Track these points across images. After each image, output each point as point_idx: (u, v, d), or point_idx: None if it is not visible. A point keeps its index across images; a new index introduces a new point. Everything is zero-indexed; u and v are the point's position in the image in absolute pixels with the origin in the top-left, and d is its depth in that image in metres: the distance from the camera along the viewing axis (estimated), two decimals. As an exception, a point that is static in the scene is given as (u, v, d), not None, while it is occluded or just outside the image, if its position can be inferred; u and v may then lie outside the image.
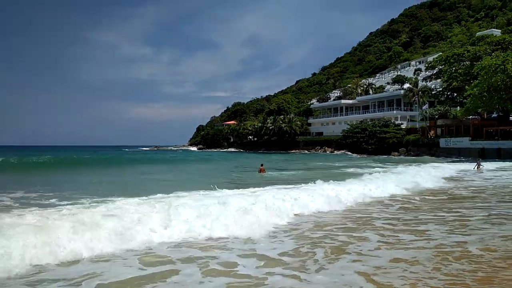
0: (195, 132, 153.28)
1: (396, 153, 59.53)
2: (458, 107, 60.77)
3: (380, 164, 35.19)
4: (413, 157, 51.00)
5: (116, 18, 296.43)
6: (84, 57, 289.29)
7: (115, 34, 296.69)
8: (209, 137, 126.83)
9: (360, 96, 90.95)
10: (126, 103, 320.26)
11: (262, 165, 28.03)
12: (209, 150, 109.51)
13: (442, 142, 52.91)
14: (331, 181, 15.51)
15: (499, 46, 52.95)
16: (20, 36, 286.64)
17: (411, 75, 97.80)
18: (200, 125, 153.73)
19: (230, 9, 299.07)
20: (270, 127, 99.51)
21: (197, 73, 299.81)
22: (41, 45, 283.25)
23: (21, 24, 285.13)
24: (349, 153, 63.05)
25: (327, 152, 77.20)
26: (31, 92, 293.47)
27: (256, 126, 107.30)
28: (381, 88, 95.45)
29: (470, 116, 56.66)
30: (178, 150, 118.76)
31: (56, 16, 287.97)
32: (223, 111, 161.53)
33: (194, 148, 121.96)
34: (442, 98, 61.87)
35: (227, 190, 13.22)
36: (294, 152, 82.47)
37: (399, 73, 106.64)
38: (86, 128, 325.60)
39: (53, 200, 12.71)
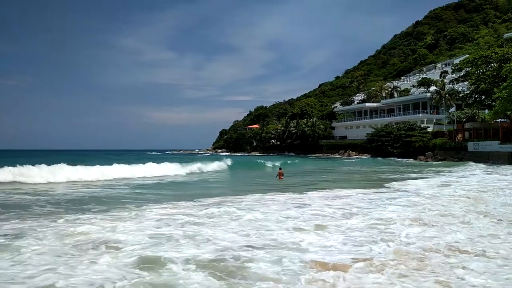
0: (218, 136, 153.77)
1: (423, 157, 58.36)
2: (487, 110, 59.32)
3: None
4: (455, 161, 49.35)
5: (139, 24, 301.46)
6: (107, 62, 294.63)
7: (138, 40, 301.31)
8: (232, 141, 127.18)
9: (385, 99, 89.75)
10: (148, 107, 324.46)
11: (280, 168, 26.31)
12: (234, 154, 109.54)
13: (470, 146, 51.60)
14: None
15: (529, 47, 51.51)
16: (44, 42, 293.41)
17: (437, 78, 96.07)
18: (223, 129, 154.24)
19: (251, 13, 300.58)
20: (293, 131, 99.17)
21: (219, 77, 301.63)
22: (65, 50, 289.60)
23: (45, 31, 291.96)
24: (399, 158, 60.91)
25: (352, 155, 76.37)
26: (55, 96, 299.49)
27: (278, 130, 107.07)
28: (406, 91, 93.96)
29: (499, 119, 55.23)
30: (205, 154, 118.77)
31: (80, 22, 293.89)
32: (245, 115, 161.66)
33: (225, 153, 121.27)
34: (470, 101, 60.48)
35: None
36: (320, 156, 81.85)
37: (424, 76, 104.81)
38: (108, 132, 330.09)
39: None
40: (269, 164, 40.43)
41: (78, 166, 24.38)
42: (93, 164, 26.02)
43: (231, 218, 9.92)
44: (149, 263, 6.02)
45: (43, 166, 22.51)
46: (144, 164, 29.29)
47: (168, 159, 36.39)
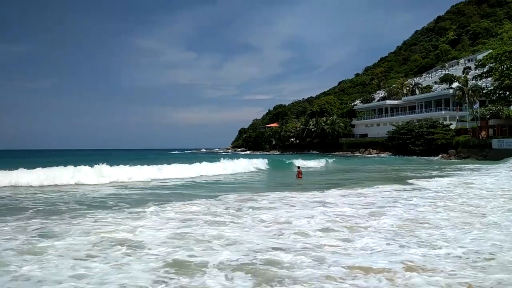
0: (237, 135, 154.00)
1: (446, 154, 57.23)
2: (511, 106, 57.92)
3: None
4: (480, 159, 48.22)
5: (159, 25, 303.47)
6: (128, 63, 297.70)
7: (158, 40, 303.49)
8: (251, 140, 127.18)
9: (406, 96, 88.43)
10: (168, 107, 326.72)
11: (299, 167, 25.74)
12: (254, 153, 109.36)
13: (495, 143, 50.35)
14: None
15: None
16: (67, 44, 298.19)
17: (460, 74, 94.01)
18: (242, 128, 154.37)
19: (268, 12, 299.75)
20: (312, 129, 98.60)
21: (238, 76, 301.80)
22: (87, 52, 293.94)
23: (68, 33, 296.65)
24: (421, 156, 59.48)
25: (372, 154, 75.47)
26: (78, 98, 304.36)
27: (298, 128, 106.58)
28: (428, 88, 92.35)
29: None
30: (227, 153, 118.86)
31: (101, 24, 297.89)
32: (264, 113, 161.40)
33: (244, 152, 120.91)
34: (494, 97, 59.01)
35: None
36: (340, 154, 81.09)
37: (447, 72, 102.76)
38: (129, 132, 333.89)
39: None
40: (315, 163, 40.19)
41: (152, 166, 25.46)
42: (143, 164, 26.39)
43: (257, 218, 9.77)
44: (179, 267, 5.92)
45: (122, 166, 23.31)
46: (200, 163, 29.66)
47: (203, 158, 36.82)
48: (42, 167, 20.58)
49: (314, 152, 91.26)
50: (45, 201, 13.69)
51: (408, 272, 5.59)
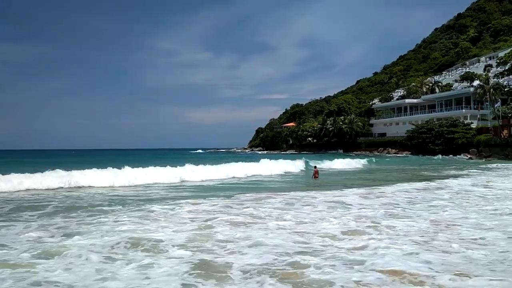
0: (254, 135, 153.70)
1: (467, 154, 56.12)
2: (535, 104, 56.59)
3: None
4: (501, 158, 47.09)
5: (176, 25, 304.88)
6: (146, 64, 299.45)
7: (176, 41, 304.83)
8: (268, 139, 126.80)
9: (426, 95, 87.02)
10: (186, 107, 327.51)
11: (315, 167, 25.31)
12: (271, 152, 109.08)
13: (518, 142, 49.20)
14: None
15: None
16: (87, 46, 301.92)
17: (481, 72, 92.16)
18: (259, 128, 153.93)
19: (285, 11, 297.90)
20: (330, 129, 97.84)
21: (254, 76, 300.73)
22: (106, 53, 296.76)
23: (89, 36, 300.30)
24: (440, 155, 58.41)
25: (391, 153, 74.49)
26: (96, 98, 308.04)
27: (315, 128, 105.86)
28: (448, 86, 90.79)
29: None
30: (245, 152, 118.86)
31: (119, 26, 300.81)
32: (281, 113, 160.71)
33: (262, 151, 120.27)
34: (517, 95, 57.71)
35: None
36: (359, 153, 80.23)
37: (467, 70, 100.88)
38: (145, 132, 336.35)
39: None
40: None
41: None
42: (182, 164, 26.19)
43: (279, 218, 9.64)
44: (205, 270, 5.82)
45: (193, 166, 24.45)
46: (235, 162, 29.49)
47: (230, 158, 36.76)
48: (97, 167, 20.92)
49: (332, 151, 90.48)
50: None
51: (454, 278, 5.32)
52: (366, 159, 43.50)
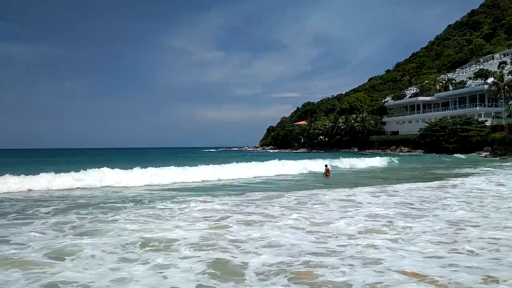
0: (265, 133, 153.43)
1: (481, 152, 55.37)
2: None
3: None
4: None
5: (188, 25, 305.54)
6: (159, 63, 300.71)
7: (188, 40, 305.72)
8: (280, 137, 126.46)
9: (439, 92, 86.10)
10: (196, 106, 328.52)
11: (326, 165, 25.15)
12: (282, 151, 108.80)
13: (534, 140, 48.39)
14: None
15: None
16: (103, 46, 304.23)
17: (495, 69, 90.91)
18: (270, 126, 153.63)
19: (297, 8, 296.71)
20: (342, 127, 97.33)
21: (266, 74, 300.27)
22: (121, 53, 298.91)
23: (102, 36, 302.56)
24: (454, 154, 56.99)
25: (404, 151, 73.82)
26: (110, 97, 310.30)
27: (327, 126, 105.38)
28: (462, 84, 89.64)
29: None
30: (258, 151, 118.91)
31: (134, 26, 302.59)
32: (293, 111, 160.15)
33: (273, 150, 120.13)
34: (532, 92, 56.79)
35: None
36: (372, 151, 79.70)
37: (481, 67, 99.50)
38: (158, 130, 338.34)
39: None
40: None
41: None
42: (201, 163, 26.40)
43: (292, 217, 9.54)
44: (220, 270, 5.77)
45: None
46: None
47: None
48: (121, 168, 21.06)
49: (344, 150, 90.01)
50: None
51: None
52: (388, 157, 42.69)
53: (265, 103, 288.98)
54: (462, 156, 53.52)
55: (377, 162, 37.37)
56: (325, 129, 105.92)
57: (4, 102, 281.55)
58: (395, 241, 7.32)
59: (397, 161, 40.27)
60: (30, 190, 16.83)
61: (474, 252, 6.54)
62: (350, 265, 5.86)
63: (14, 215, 10.55)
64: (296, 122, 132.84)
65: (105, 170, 19.56)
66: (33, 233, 8.09)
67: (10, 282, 5.27)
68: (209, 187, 18.56)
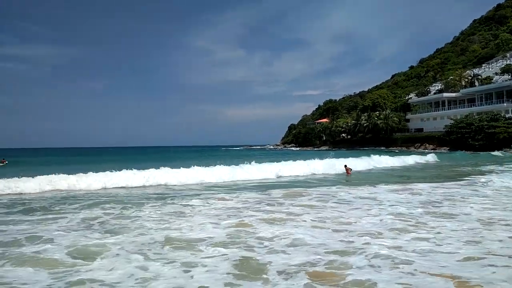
0: (287, 131, 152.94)
1: (509, 149, 53.95)
2: None
3: None
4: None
5: (210, 24, 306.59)
6: (182, 62, 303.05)
7: (210, 40, 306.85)
8: (301, 135, 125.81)
9: (464, 88, 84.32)
10: (219, 104, 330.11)
11: (346, 166, 24.72)
12: (304, 149, 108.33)
13: None
14: None
15: None
16: (125, 46, 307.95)
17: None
18: (291, 124, 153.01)
19: (318, 6, 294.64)
20: (365, 124, 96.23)
21: (288, 72, 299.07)
22: (144, 53, 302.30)
23: (126, 35, 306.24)
24: (481, 151, 55.14)
25: (428, 149, 72.54)
26: (133, 97, 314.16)
27: (349, 124, 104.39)
28: (488, 79, 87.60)
29: None
30: (276, 149, 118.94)
31: (156, 26, 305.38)
32: (314, 109, 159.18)
33: (294, 148, 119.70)
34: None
35: None
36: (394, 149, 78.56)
37: (508, 62, 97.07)
38: (181, 130, 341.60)
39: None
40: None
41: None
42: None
43: (315, 215, 9.40)
44: (247, 269, 5.72)
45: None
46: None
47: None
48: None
49: (366, 148, 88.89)
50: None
51: None
52: (430, 155, 41.11)
53: (287, 101, 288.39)
54: (499, 153, 51.99)
55: (412, 159, 35.99)
56: (347, 126, 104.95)
57: (35, 103, 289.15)
58: (425, 240, 7.11)
59: (435, 159, 38.53)
60: (105, 188, 17.21)
61: (509, 253, 6.26)
62: (375, 265, 5.71)
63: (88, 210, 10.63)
64: (317, 120, 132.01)
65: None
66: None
67: (37, 282, 5.30)
68: (240, 186, 18.36)
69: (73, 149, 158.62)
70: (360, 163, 29.22)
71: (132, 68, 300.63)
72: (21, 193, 15.38)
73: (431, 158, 38.18)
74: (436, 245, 6.80)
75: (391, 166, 30.80)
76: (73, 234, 7.91)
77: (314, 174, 23.92)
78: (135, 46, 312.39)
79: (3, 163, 41.53)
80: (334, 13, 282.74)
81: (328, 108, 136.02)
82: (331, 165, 26.09)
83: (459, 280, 5.04)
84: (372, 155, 33.26)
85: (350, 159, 30.41)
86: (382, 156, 34.54)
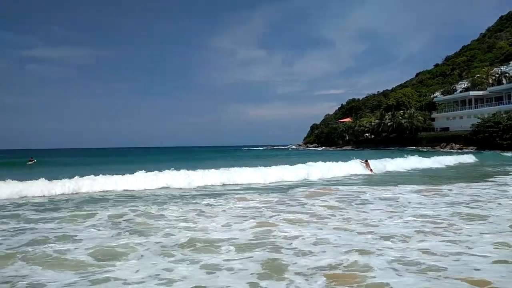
0: (309, 131, 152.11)
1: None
2: None
3: None
4: None
5: (233, 24, 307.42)
6: (203, 62, 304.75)
7: (232, 40, 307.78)
8: (324, 135, 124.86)
9: (492, 86, 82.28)
10: (241, 104, 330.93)
11: (366, 160, 24.64)
12: (327, 149, 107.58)
13: None
14: None
15: None
16: (150, 47, 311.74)
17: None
18: (314, 124, 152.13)
19: (341, 4, 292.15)
20: (389, 124, 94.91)
21: (309, 71, 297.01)
22: (166, 53, 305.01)
23: (150, 36, 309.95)
24: (508, 152, 53.42)
25: (454, 148, 71.03)
26: (158, 98, 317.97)
27: (373, 123, 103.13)
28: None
29: None
30: (299, 149, 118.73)
31: (180, 26, 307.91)
32: (337, 108, 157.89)
33: (317, 148, 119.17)
34: None
35: None
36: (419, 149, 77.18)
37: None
38: (203, 130, 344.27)
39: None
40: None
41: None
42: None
43: (339, 216, 9.30)
44: (272, 270, 5.64)
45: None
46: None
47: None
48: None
49: (391, 147, 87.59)
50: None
51: None
52: (467, 155, 39.50)
53: (309, 101, 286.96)
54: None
55: (448, 160, 34.29)
56: (371, 126, 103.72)
57: (67, 103, 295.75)
58: (453, 243, 6.91)
59: (473, 159, 37.10)
60: (166, 187, 17.16)
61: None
62: (400, 269, 5.56)
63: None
64: (340, 119, 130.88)
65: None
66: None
67: (62, 280, 5.39)
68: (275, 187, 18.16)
69: (94, 149, 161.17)
70: (400, 163, 28.75)
71: (156, 68, 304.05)
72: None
73: (468, 158, 37.07)
74: (467, 248, 6.56)
75: (422, 168, 29.63)
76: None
77: (351, 175, 23.11)
78: (161, 45, 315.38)
79: (31, 161, 42.60)
80: (356, 11, 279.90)
81: (351, 108, 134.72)
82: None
83: (490, 286, 4.84)
84: (409, 156, 32.23)
85: (386, 159, 29.64)
86: (417, 157, 33.01)
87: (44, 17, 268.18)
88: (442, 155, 38.48)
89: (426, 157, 33.71)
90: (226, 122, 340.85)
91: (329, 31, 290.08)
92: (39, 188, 15.21)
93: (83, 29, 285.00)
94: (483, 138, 65.01)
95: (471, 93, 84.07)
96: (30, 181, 15.49)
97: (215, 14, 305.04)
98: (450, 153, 43.24)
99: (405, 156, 32.13)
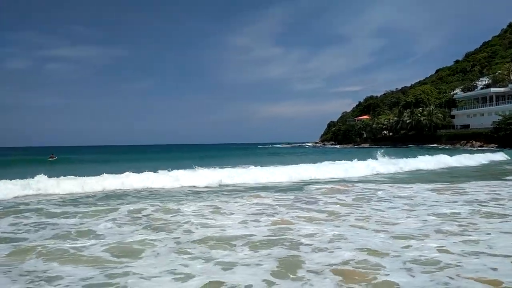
0: (326, 128, 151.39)
1: None
2: None
3: None
4: None
5: (249, 22, 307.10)
6: (220, 61, 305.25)
7: (249, 38, 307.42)
8: (341, 133, 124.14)
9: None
10: (258, 102, 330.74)
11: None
12: (344, 146, 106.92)
13: None
14: None
15: None
16: (169, 46, 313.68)
17: None
18: (331, 121, 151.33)
19: (358, 0, 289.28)
20: (407, 121, 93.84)
21: (326, 69, 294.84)
22: (183, 52, 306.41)
23: (168, 35, 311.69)
24: None
25: (475, 146, 69.81)
26: (173, 96, 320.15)
27: (391, 120, 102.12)
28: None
29: None
30: (316, 147, 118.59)
31: (198, 26, 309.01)
32: (354, 106, 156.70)
33: (334, 145, 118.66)
34: None
35: None
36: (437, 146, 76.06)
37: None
38: (220, 127, 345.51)
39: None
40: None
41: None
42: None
43: (356, 214, 9.16)
44: (287, 268, 5.65)
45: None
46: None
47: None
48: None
49: (410, 145, 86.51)
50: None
51: None
52: (500, 153, 38.60)
53: (326, 98, 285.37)
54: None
55: (479, 159, 32.69)
56: (389, 123, 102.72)
57: (90, 103, 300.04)
58: (471, 243, 6.76)
59: (505, 157, 36.07)
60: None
61: None
62: (413, 269, 5.51)
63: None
64: (358, 116, 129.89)
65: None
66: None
67: (80, 275, 5.48)
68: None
69: (113, 147, 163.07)
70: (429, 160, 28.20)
71: (175, 68, 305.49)
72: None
73: (500, 156, 36.27)
74: (485, 247, 6.43)
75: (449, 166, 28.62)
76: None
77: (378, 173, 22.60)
78: (180, 45, 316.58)
79: (52, 158, 43.40)
80: (373, 7, 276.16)
81: (369, 105, 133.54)
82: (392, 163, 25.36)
83: (501, 286, 4.75)
84: (442, 155, 31.21)
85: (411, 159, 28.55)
86: (442, 155, 31.49)
87: (64, 17, 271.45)
88: (468, 153, 36.84)
89: (456, 154, 32.86)
90: (241, 120, 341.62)
91: (346, 28, 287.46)
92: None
93: (105, 29, 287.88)
94: (504, 136, 63.88)
95: (492, 89, 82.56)
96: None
97: (232, 12, 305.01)
98: (471, 151, 42.18)
99: (428, 154, 31.39)
